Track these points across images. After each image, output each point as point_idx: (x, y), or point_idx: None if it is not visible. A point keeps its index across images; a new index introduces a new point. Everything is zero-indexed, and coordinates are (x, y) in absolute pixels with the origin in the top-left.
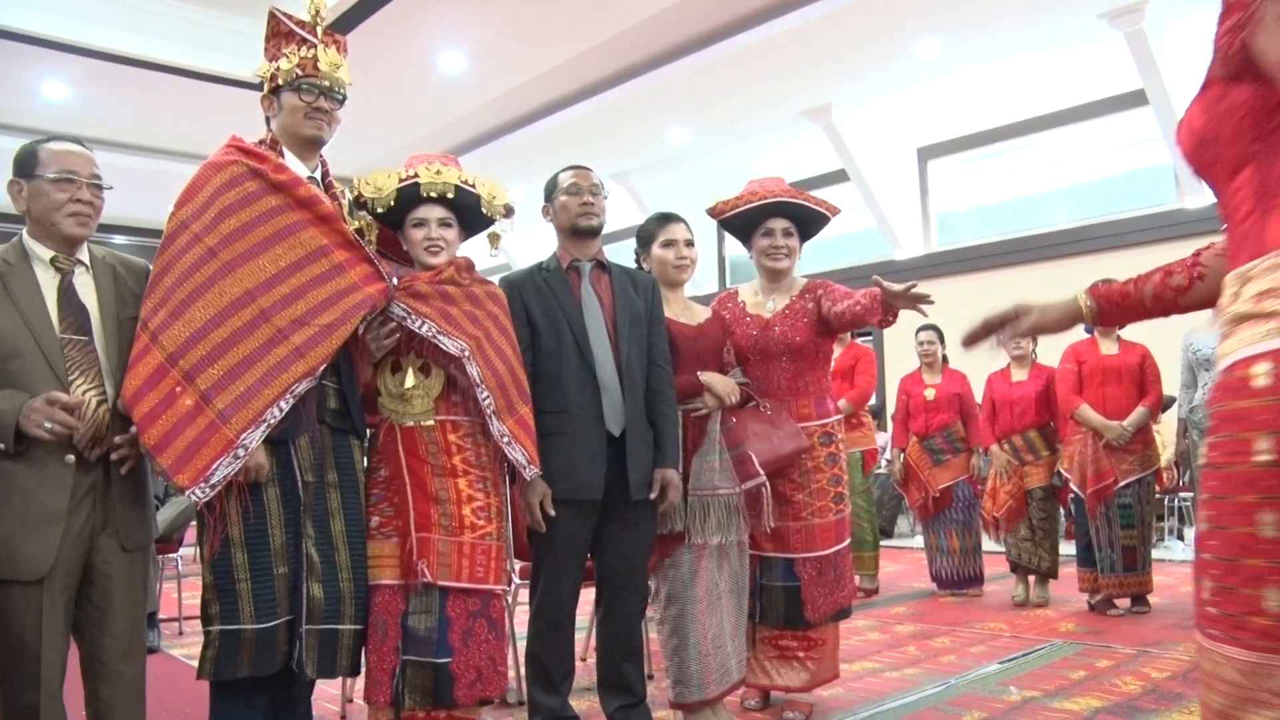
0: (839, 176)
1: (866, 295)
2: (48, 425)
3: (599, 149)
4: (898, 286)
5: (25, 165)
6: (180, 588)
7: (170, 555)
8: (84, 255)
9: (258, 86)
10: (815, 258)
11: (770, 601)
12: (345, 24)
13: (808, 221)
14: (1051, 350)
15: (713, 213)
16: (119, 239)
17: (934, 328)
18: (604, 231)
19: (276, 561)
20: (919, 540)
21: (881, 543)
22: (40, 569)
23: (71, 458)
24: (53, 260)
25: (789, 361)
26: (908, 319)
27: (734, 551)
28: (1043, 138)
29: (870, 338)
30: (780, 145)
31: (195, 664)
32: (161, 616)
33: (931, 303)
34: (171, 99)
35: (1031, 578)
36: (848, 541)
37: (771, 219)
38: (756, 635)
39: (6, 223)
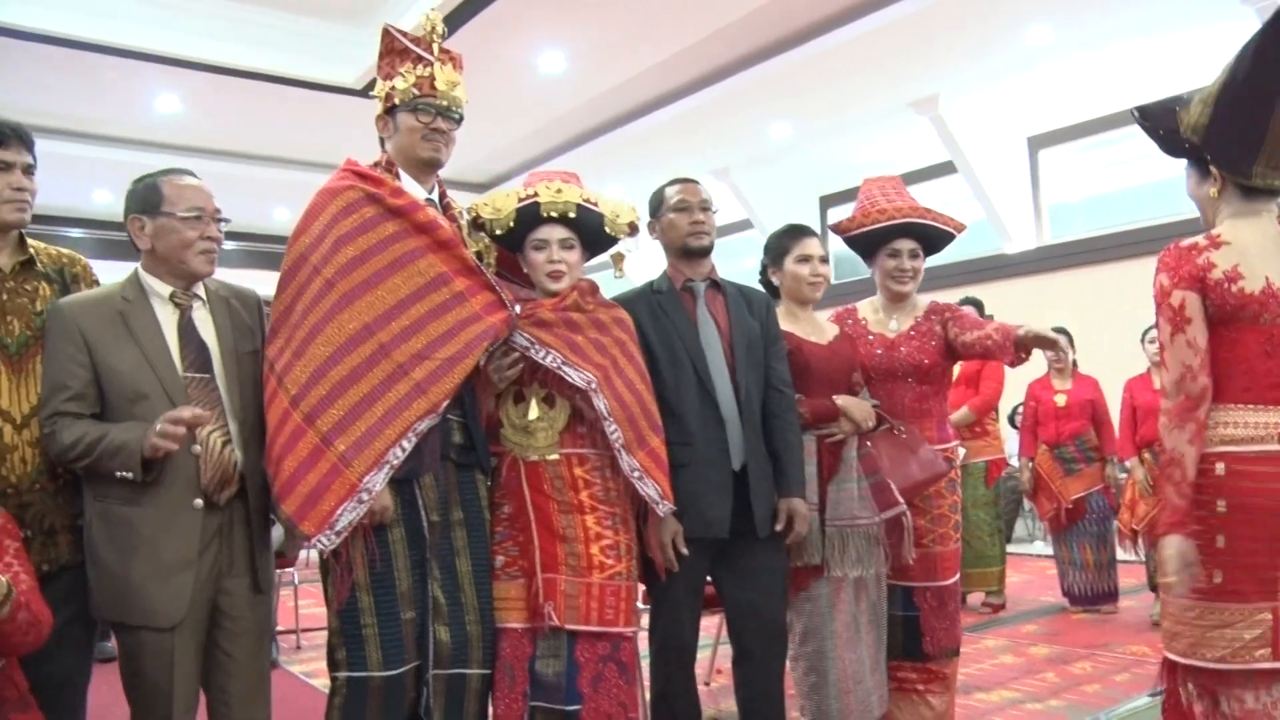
0: (946, 168)
1: (999, 331)
2: (159, 428)
3: (699, 145)
4: (1035, 330)
5: (148, 201)
6: (296, 595)
7: (286, 569)
8: (200, 290)
9: (360, 93)
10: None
11: (891, 632)
12: (446, 27)
13: (934, 239)
14: None
15: (837, 230)
16: (230, 244)
17: (1064, 331)
18: None
19: (403, 605)
20: (1039, 546)
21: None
22: (174, 616)
23: (199, 502)
24: (172, 296)
25: (915, 383)
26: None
27: (872, 582)
28: None
29: None
30: (885, 137)
31: (313, 681)
32: (279, 628)
33: (1065, 351)
34: (277, 107)
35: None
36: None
37: (898, 239)
38: None
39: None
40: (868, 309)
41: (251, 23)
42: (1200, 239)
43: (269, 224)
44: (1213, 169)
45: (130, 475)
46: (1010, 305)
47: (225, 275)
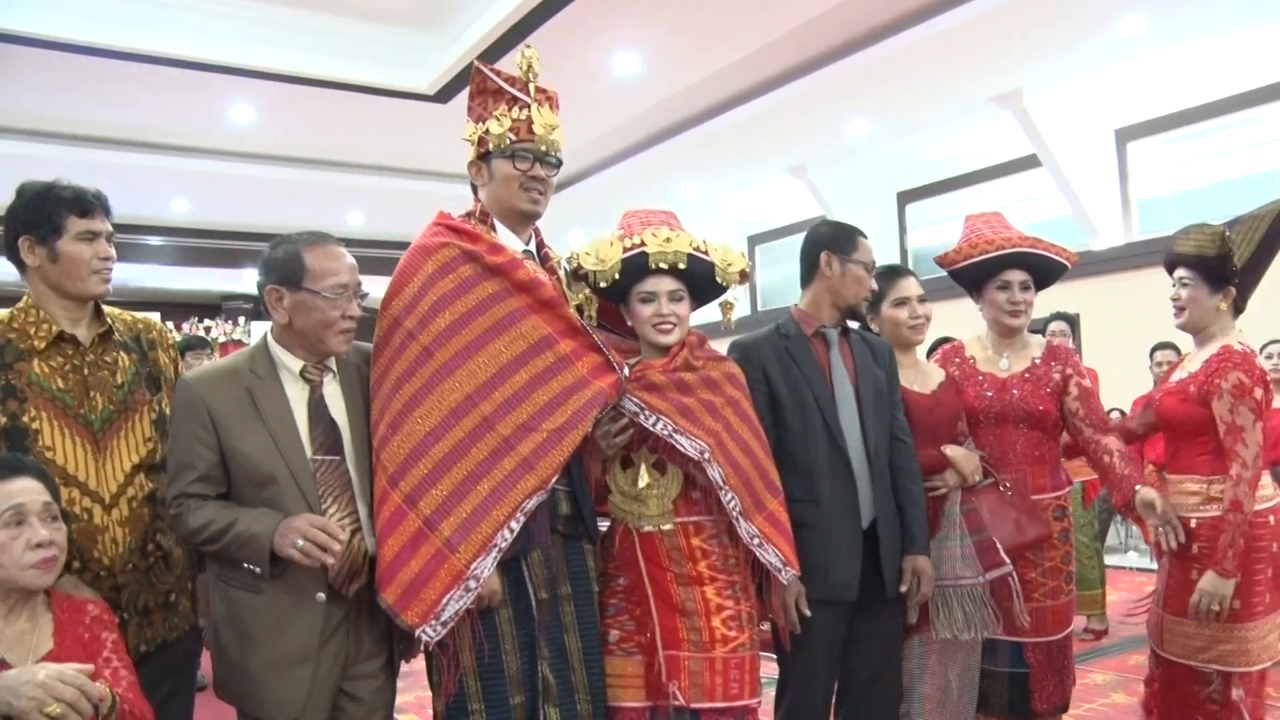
0: (1030, 162)
1: (1121, 463)
2: (300, 544)
3: (775, 143)
4: (1154, 501)
5: (290, 272)
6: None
7: None
8: (331, 360)
9: (432, 98)
10: None
11: (993, 688)
12: (520, 30)
13: (1045, 271)
14: None
15: (942, 262)
16: None
17: (1172, 346)
18: (782, 225)
19: (512, 690)
20: (1133, 558)
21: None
22: (290, 712)
23: (323, 595)
24: (303, 372)
25: (1028, 429)
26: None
27: (967, 644)
28: (1257, 113)
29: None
30: (966, 132)
31: None
32: None
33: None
34: (350, 114)
35: None
36: (1072, 626)
37: (1008, 270)
38: None
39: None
40: (975, 346)
41: (322, 32)
42: (1249, 347)
43: (344, 228)
44: (1232, 290)
45: (258, 570)
46: (1098, 304)
47: None
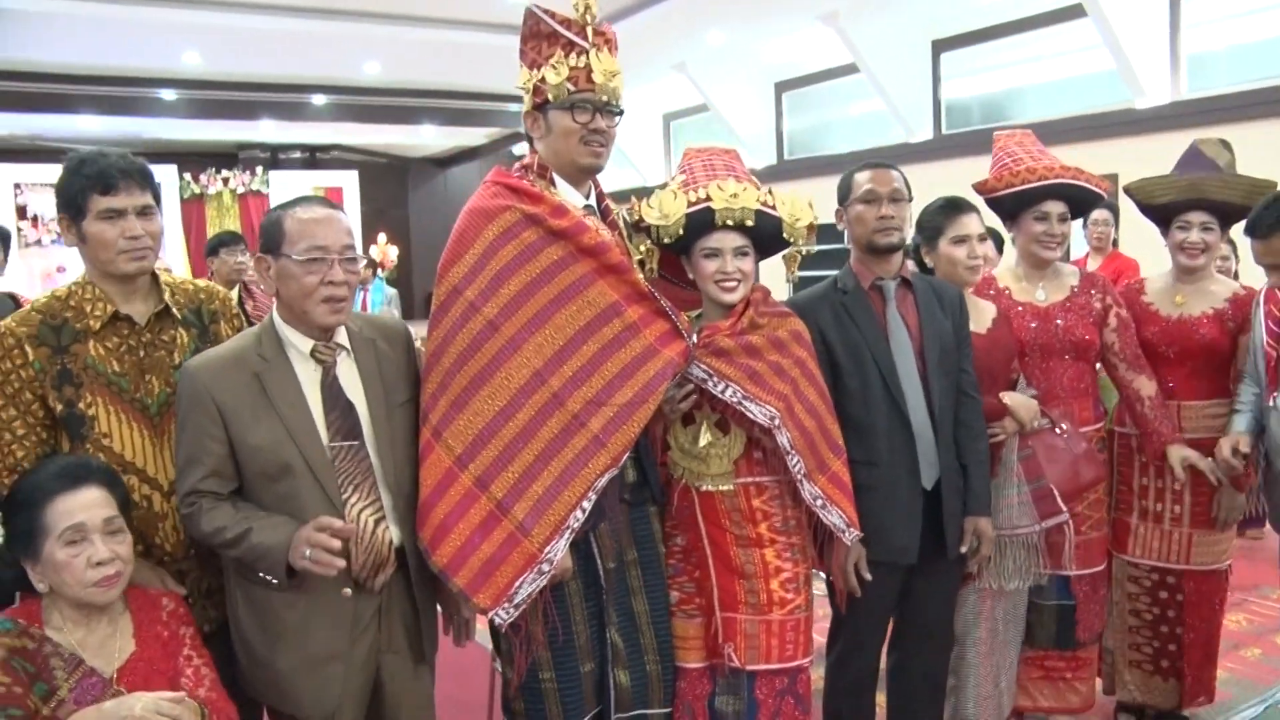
0: (1075, 12)
1: (1155, 416)
2: (308, 553)
3: None
4: (1188, 455)
5: (272, 238)
6: None
7: None
8: (343, 337)
9: None
10: (1042, 104)
11: (1040, 621)
12: None
13: (1081, 201)
14: None
15: (981, 189)
16: (321, 98)
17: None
18: (806, 75)
19: (582, 659)
20: None
21: None
22: (325, 710)
23: (349, 591)
24: (313, 352)
25: (1072, 360)
26: None
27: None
28: None
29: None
30: None
31: None
32: None
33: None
34: None
35: None
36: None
37: (1047, 201)
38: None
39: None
40: (1008, 276)
41: None
42: None
43: (360, 77)
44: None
45: (275, 581)
46: (1142, 167)
47: (319, 131)
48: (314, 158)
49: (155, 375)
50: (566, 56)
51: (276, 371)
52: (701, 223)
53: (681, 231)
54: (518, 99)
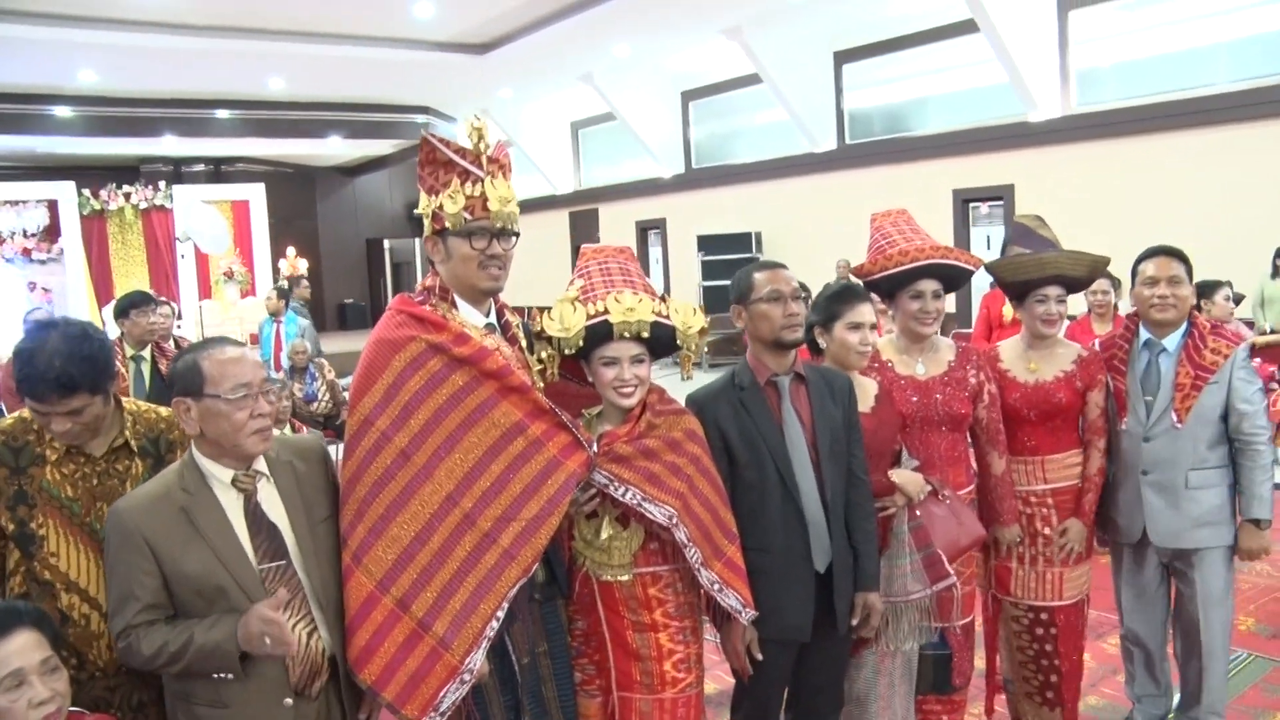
0: (967, 27)
1: (999, 497)
2: (268, 641)
3: (709, 4)
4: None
5: (190, 383)
6: None
7: None
8: (261, 464)
9: None
10: (941, 116)
11: (921, 670)
12: None
13: (955, 277)
14: None
15: (858, 273)
16: (225, 113)
17: (1110, 276)
18: (712, 84)
19: None
20: None
21: None
22: None
23: (290, 700)
24: (234, 481)
25: (948, 431)
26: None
27: None
28: None
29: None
30: None
31: None
32: None
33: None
34: None
35: None
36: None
37: (921, 280)
38: None
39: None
40: (889, 349)
41: None
42: None
43: (264, 92)
44: None
45: (230, 676)
46: (1034, 177)
47: (223, 145)
48: (219, 170)
49: (106, 502)
50: (463, 185)
51: (201, 503)
52: (599, 334)
53: (581, 342)
54: (424, 110)
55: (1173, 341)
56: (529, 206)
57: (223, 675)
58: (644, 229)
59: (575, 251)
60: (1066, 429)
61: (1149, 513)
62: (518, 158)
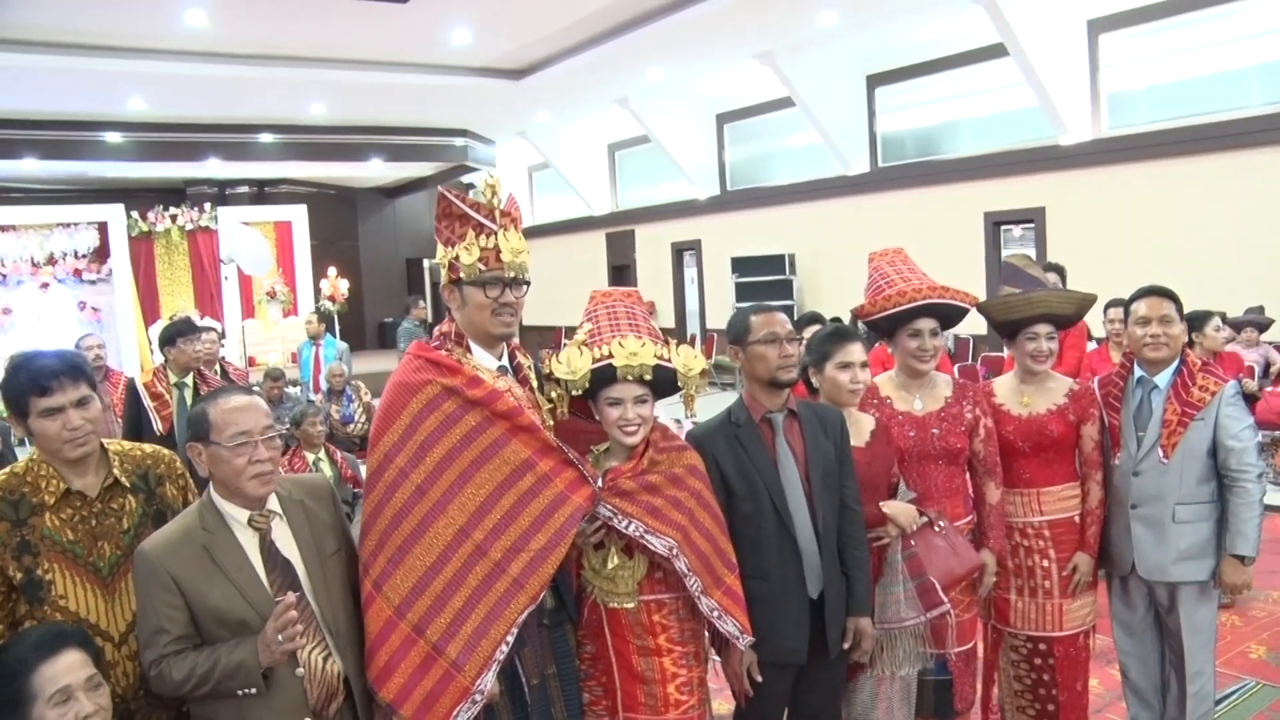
0: (996, 51)
1: (991, 525)
2: (280, 639)
3: (741, 32)
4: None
5: (200, 429)
6: None
7: None
8: (274, 504)
9: None
10: (973, 139)
11: (922, 695)
12: None
13: (952, 315)
14: None
15: (858, 313)
16: (269, 137)
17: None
18: (746, 108)
19: None
20: None
21: None
22: None
23: None
24: (249, 521)
25: (945, 464)
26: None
27: None
28: (1232, 8)
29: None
30: (934, 24)
31: None
32: None
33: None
34: (306, 14)
35: None
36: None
37: (919, 319)
38: None
39: None
40: (889, 385)
41: None
42: None
43: (306, 116)
44: None
45: (254, 691)
46: (1066, 200)
47: (266, 168)
48: (262, 192)
49: (106, 541)
50: (477, 237)
51: (221, 542)
52: (604, 377)
53: (588, 384)
54: (462, 133)
55: (1164, 379)
56: (566, 228)
57: (247, 691)
58: (679, 250)
59: (612, 272)
60: (1061, 461)
61: (1137, 546)
62: (555, 179)
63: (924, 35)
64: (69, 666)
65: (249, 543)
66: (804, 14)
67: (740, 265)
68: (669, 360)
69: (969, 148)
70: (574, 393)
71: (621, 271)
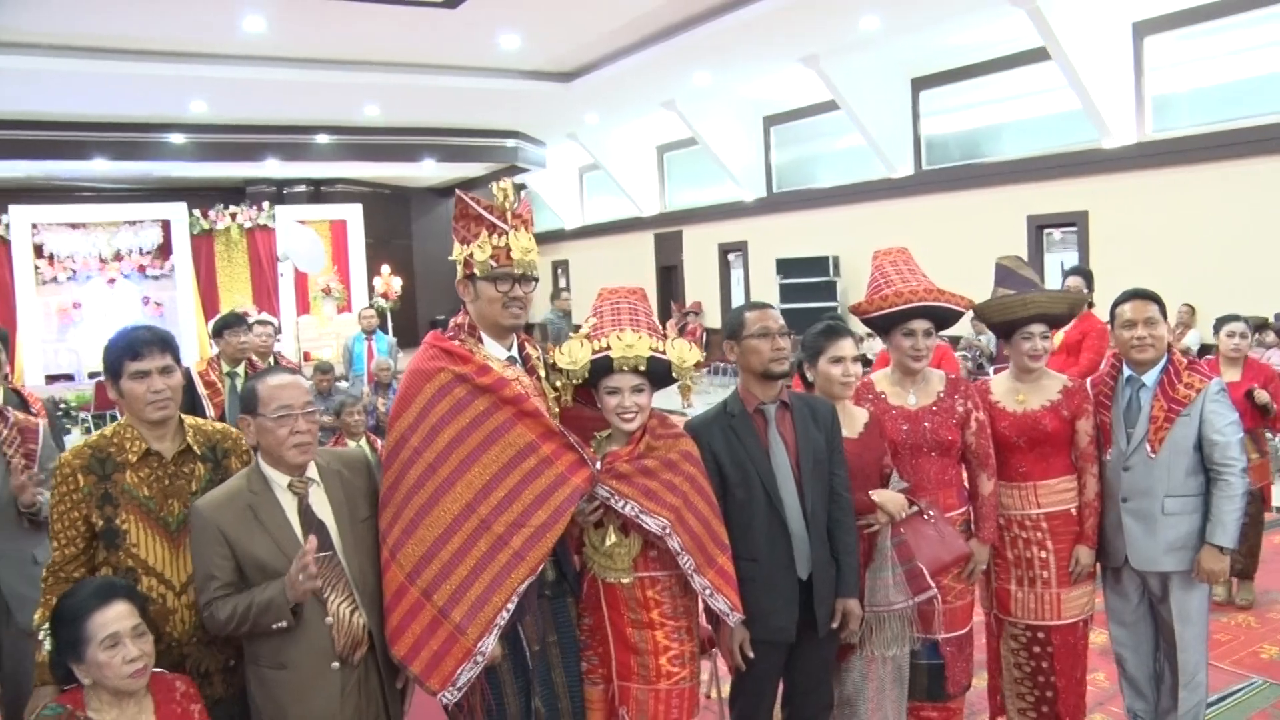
0: (1039, 55)
1: (981, 507)
2: (301, 577)
3: (785, 37)
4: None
5: (249, 403)
6: None
7: None
8: (313, 471)
9: (441, 4)
10: (1016, 142)
11: (915, 678)
12: None
13: (946, 316)
14: None
15: (855, 311)
16: (325, 138)
17: (1239, 318)
18: (793, 110)
19: None
20: None
21: None
22: None
23: (336, 665)
24: (290, 485)
25: (938, 456)
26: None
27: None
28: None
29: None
30: (976, 27)
31: None
32: None
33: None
34: (361, 20)
35: (1233, 579)
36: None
37: (913, 320)
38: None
39: None
40: (884, 381)
41: None
42: None
43: (360, 118)
44: None
45: (285, 624)
46: (1109, 203)
47: (323, 168)
48: (319, 191)
49: (176, 499)
50: (490, 236)
51: (265, 502)
52: (603, 367)
53: (588, 374)
54: (514, 134)
55: (1151, 377)
56: (615, 228)
57: (279, 625)
58: (725, 251)
59: (660, 273)
60: (1056, 455)
61: (1128, 538)
62: (605, 181)
63: (967, 39)
64: (118, 615)
65: (289, 504)
66: (847, 18)
67: (785, 267)
68: (663, 353)
69: (1012, 151)
70: (576, 381)
71: (669, 272)
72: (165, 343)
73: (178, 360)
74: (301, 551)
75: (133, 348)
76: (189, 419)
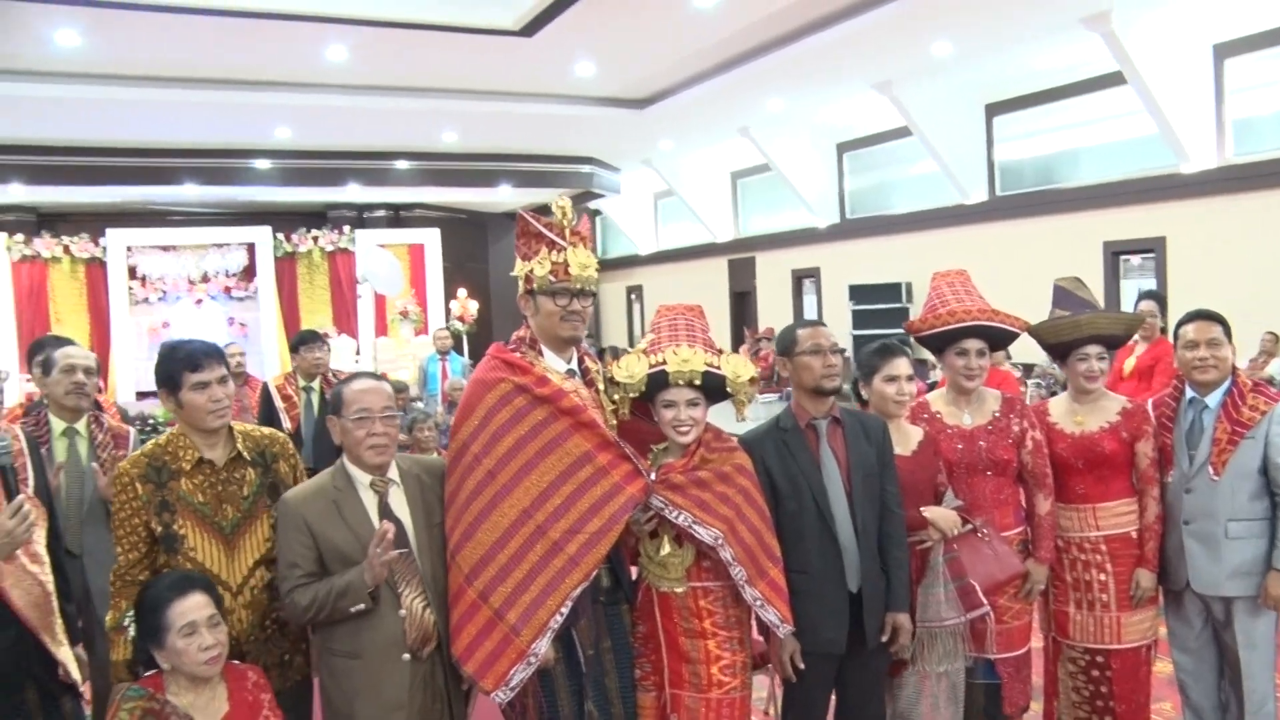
0: (1115, 79)
1: (1042, 535)
2: (379, 565)
3: (858, 63)
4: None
5: (337, 405)
6: None
7: None
8: (394, 473)
9: (517, 33)
10: (1092, 167)
11: (971, 697)
12: None
13: (1000, 337)
14: None
15: (909, 329)
16: (404, 164)
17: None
18: (867, 136)
19: None
20: None
21: None
22: None
23: (407, 656)
24: (371, 484)
25: (994, 476)
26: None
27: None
28: None
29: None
30: (1050, 51)
31: None
32: None
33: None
34: (440, 50)
35: None
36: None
37: (967, 339)
38: None
39: None
40: (939, 401)
41: None
42: None
43: (439, 144)
44: None
45: (363, 605)
46: (1186, 230)
47: (402, 193)
48: (398, 216)
49: (229, 504)
50: (550, 253)
51: (348, 498)
52: (660, 381)
53: (644, 388)
54: (588, 160)
55: (1214, 399)
56: (689, 254)
57: (358, 607)
58: (799, 278)
59: (734, 299)
60: (1115, 477)
61: (1191, 561)
62: (679, 207)
63: (1041, 63)
64: (195, 605)
65: (370, 502)
66: (919, 44)
67: (857, 293)
68: (718, 367)
69: (1088, 176)
70: (633, 395)
71: (743, 298)
72: (218, 354)
73: (229, 369)
74: (380, 531)
75: (192, 359)
76: (237, 426)
